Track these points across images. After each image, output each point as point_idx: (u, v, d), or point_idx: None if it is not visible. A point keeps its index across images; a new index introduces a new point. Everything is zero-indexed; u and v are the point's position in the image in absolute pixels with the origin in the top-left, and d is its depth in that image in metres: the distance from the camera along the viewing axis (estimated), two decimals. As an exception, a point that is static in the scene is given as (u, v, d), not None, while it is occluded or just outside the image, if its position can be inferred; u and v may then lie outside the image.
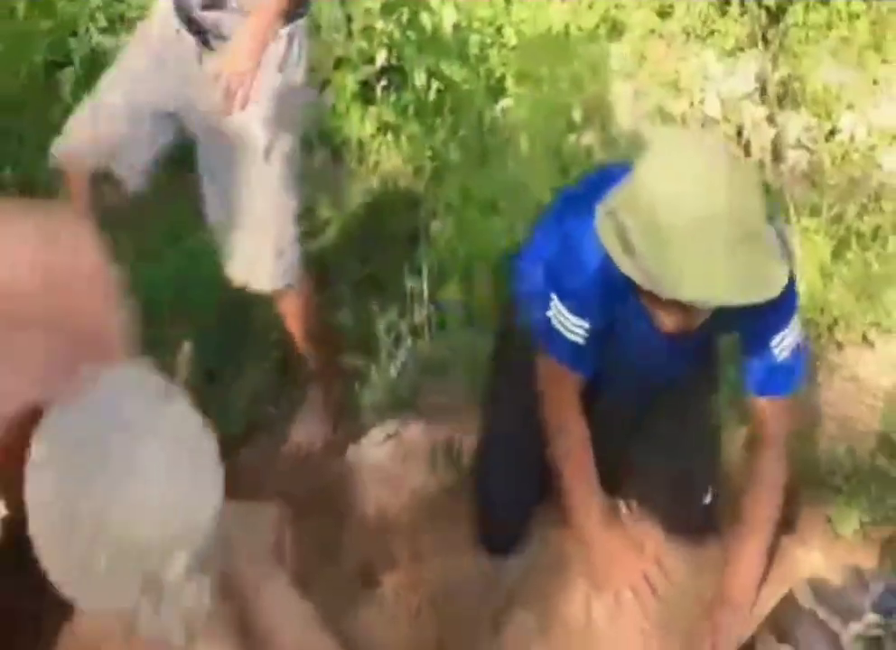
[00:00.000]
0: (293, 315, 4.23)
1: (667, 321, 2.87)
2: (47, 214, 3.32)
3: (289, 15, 3.83)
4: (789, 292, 2.92)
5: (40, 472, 2.52)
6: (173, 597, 2.60)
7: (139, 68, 3.99)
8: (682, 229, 2.66)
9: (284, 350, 4.44)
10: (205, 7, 3.84)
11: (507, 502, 3.52)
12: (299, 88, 3.98)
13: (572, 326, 3.05)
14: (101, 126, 4.03)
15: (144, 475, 2.56)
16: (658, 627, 3.37)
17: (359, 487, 3.72)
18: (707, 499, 3.54)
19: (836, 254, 4.60)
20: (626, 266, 2.73)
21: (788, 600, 3.14)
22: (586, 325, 3.03)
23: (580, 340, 3.05)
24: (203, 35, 3.84)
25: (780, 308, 2.95)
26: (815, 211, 4.82)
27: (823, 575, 3.22)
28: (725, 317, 2.85)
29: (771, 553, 3.36)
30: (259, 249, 4.05)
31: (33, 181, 4.94)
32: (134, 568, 2.58)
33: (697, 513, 3.56)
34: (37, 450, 2.57)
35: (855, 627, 3.04)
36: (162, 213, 5.01)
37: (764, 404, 3.14)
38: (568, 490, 3.38)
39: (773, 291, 2.73)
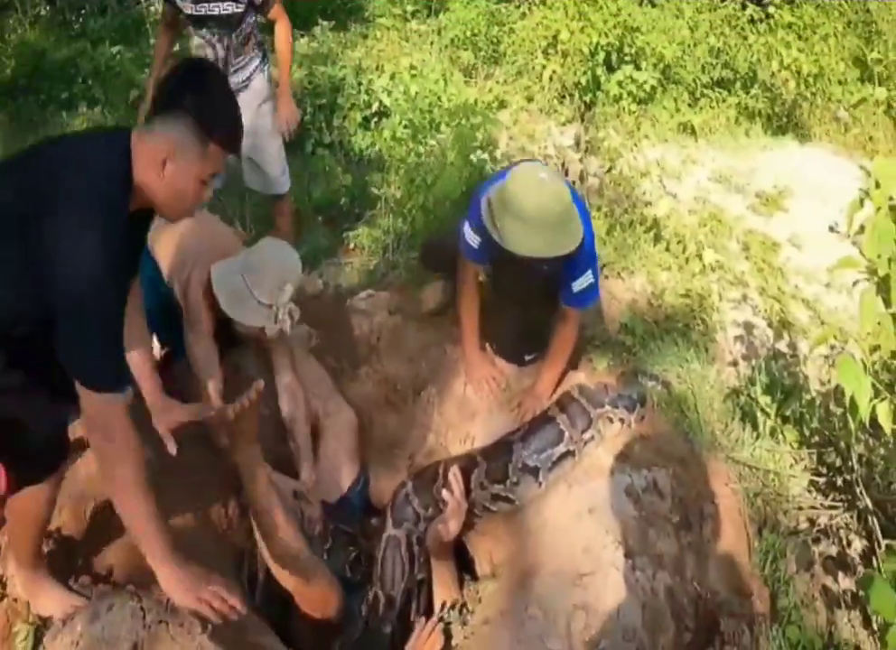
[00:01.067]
0: (283, 210, 4.43)
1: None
2: (204, 217, 3.53)
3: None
4: (581, 259, 3.11)
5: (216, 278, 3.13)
6: (284, 311, 2.96)
7: None
8: (520, 216, 2.91)
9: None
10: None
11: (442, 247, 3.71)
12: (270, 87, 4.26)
13: (471, 239, 3.26)
14: None
15: (267, 258, 3.05)
16: (499, 403, 3.56)
17: (350, 320, 3.85)
18: (529, 357, 3.67)
19: (608, 232, 4.68)
20: (493, 233, 3.00)
21: (567, 392, 3.35)
22: (478, 239, 3.24)
23: (475, 245, 3.25)
24: None
25: (577, 264, 3.12)
26: (600, 210, 4.93)
27: (587, 385, 3.40)
28: (546, 263, 3.04)
29: (562, 376, 3.50)
30: (273, 174, 4.30)
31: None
32: (265, 298, 2.93)
33: (523, 360, 3.69)
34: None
35: (599, 411, 3.25)
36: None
37: (566, 309, 3.29)
38: (461, 328, 3.58)
39: (565, 251, 2.96)
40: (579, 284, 3.18)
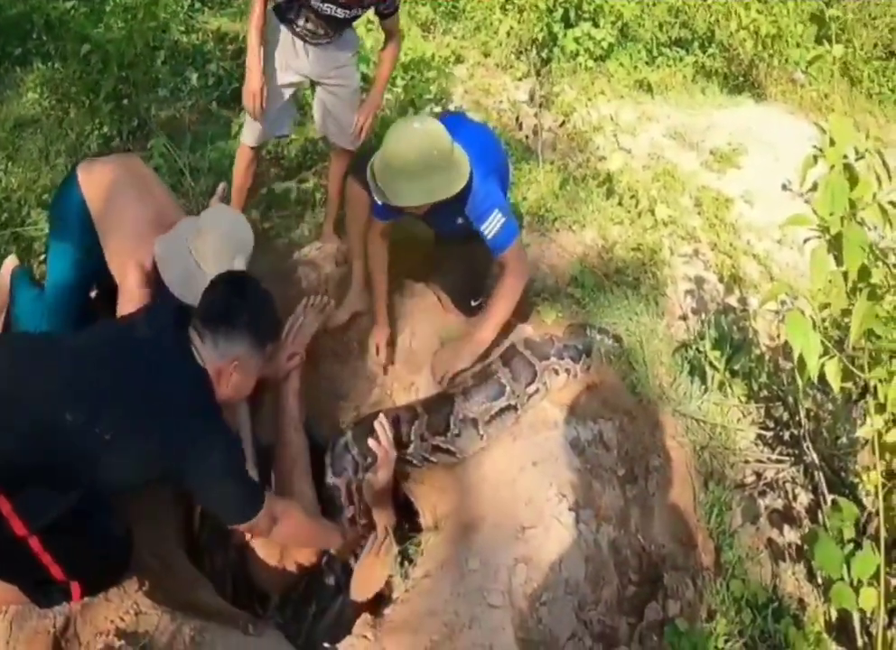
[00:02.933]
0: (341, 169, 4.10)
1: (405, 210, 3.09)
2: (130, 159, 3.39)
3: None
4: (475, 204, 3.05)
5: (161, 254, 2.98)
6: None
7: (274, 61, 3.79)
8: (388, 167, 2.90)
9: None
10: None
11: None
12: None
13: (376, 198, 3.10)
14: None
15: (217, 232, 2.96)
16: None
17: (299, 271, 3.72)
18: (476, 303, 3.56)
19: (561, 186, 4.57)
20: (371, 186, 2.97)
21: (512, 346, 3.27)
22: None
23: (379, 203, 3.10)
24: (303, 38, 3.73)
25: (474, 210, 3.06)
26: (553, 164, 4.84)
27: (533, 337, 3.32)
28: (442, 209, 3.03)
29: (506, 327, 3.30)
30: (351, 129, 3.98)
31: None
32: (215, 272, 2.75)
33: (471, 306, 3.58)
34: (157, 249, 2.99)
35: (544, 363, 3.17)
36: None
37: (498, 259, 3.19)
38: (372, 287, 3.51)
39: (438, 198, 2.93)
40: (489, 229, 3.07)
